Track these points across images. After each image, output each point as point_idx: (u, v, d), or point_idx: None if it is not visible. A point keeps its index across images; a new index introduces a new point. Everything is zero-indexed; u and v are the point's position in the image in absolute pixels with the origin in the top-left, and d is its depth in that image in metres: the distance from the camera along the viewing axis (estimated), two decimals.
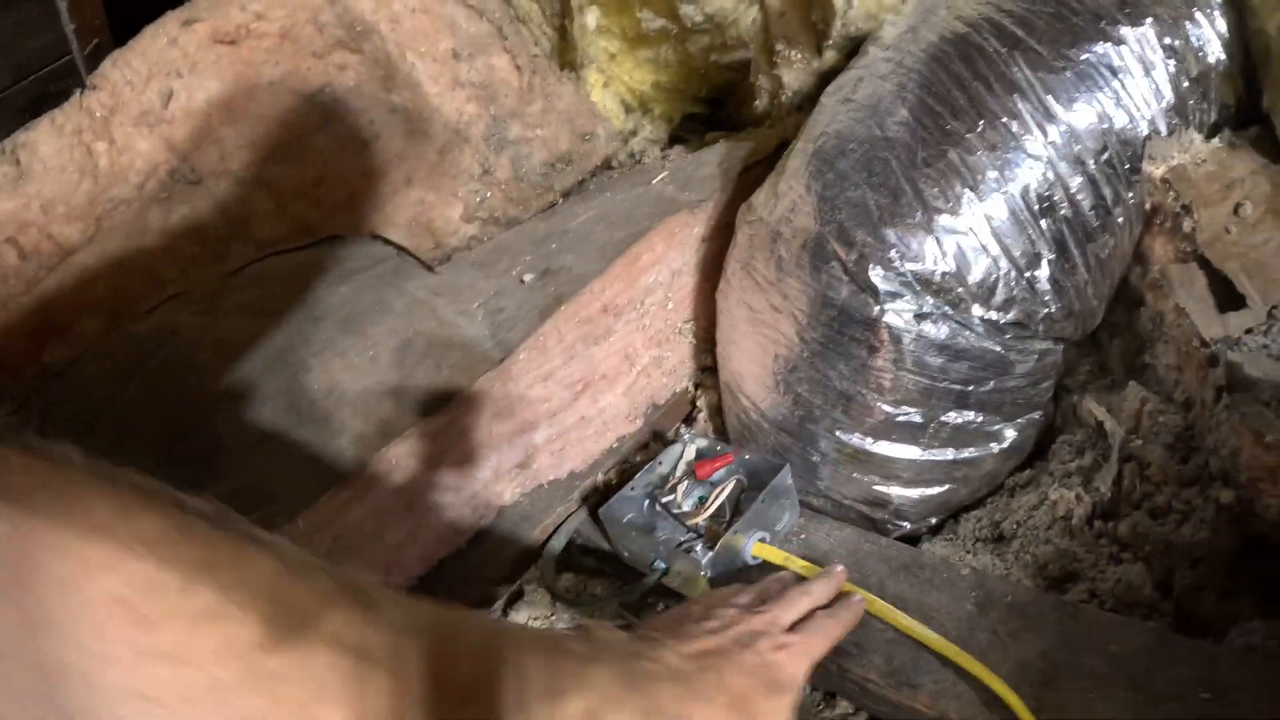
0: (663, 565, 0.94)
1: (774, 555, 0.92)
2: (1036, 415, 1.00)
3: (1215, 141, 1.00)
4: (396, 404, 1.02)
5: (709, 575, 0.90)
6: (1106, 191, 0.93)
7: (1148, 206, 0.98)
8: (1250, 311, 0.91)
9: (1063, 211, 0.91)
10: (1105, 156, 0.92)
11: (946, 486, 0.99)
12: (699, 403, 1.27)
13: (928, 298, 0.91)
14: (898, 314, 0.91)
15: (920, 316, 0.91)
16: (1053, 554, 0.90)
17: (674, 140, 1.56)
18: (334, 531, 0.93)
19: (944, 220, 0.89)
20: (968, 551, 0.95)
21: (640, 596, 0.95)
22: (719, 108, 1.63)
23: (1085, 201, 0.92)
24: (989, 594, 0.84)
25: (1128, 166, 0.94)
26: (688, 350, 1.27)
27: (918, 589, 0.87)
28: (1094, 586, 0.86)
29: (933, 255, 0.89)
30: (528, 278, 1.17)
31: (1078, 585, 0.87)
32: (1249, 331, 0.89)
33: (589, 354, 1.15)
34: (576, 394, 1.15)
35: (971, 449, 0.97)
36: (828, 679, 0.85)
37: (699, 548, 0.92)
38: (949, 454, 0.96)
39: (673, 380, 1.26)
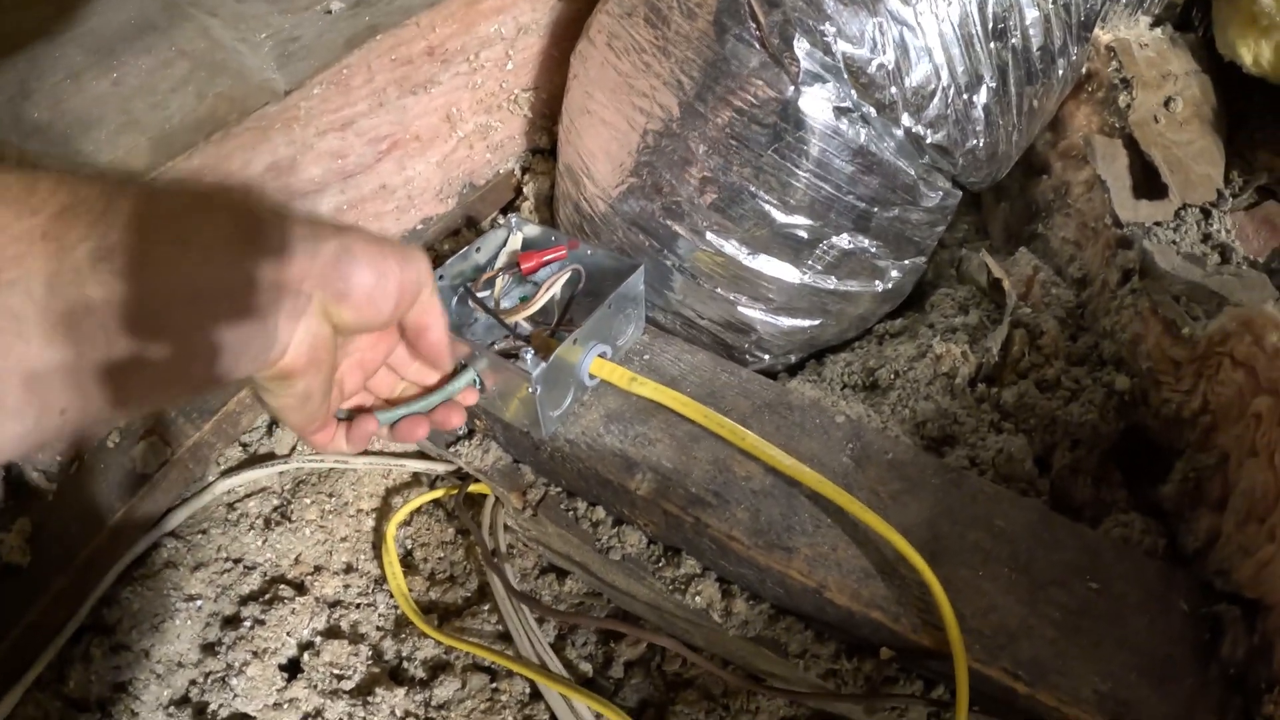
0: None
1: (616, 375, 0.74)
2: (922, 261, 0.88)
3: (1158, 31, 0.94)
4: (133, 142, 0.73)
5: (538, 393, 0.70)
6: (1057, 37, 0.81)
7: (1083, 72, 0.90)
8: (1162, 205, 0.86)
9: (1013, 41, 0.78)
10: (1065, 1, 0.80)
11: (818, 321, 0.86)
12: (525, 189, 1.05)
13: (853, 92, 0.74)
14: (815, 102, 0.74)
15: (840, 111, 0.74)
16: (933, 411, 0.80)
17: None
18: None
19: (893, 5, 0.73)
20: (839, 397, 0.83)
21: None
22: None
23: (1035, 39, 0.79)
24: (866, 448, 0.73)
25: (1082, 19, 0.82)
26: (521, 125, 1.03)
27: (785, 433, 0.73)
28: (974, 454, 0.77)
29: (873, 41, 0.73)
30: (335, 6, 0.88)
31: (956, 450, 0.77)
32: (1158, 224, 0.85)
33: (403, 105, 0.89)
34: (380, 154, 0.89)
35: (854, 282, 0.84)
36: (677, 531, 0.71)
37: (529, 356, 0.69)
38: (829, 283, 0.83)
39: (498, 158, 1.03)
